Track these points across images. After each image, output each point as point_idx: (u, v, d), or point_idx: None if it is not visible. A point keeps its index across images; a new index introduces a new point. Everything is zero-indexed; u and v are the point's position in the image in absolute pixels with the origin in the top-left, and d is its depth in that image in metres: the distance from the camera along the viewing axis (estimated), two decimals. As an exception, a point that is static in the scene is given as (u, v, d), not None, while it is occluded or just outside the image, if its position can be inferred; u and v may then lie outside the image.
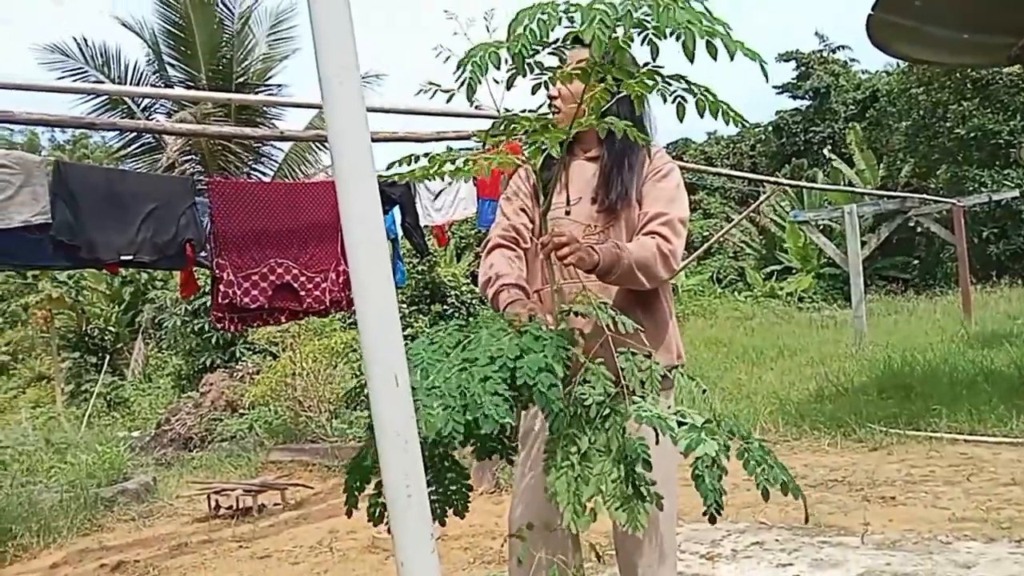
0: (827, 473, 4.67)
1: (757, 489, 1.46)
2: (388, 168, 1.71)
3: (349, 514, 1.68)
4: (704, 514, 1.46)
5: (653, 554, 2.10)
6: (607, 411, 1.51)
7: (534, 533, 2.10)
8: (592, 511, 1.47)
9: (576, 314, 1.75)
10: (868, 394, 6.51)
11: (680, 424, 1.47)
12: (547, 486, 1.47)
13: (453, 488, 1.68)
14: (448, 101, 1.56)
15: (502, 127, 1.61)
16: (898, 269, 20.12)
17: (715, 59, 1.31)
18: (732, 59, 1.32)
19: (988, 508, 3.73)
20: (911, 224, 15.57)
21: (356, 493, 1.63)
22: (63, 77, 11.33)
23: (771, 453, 1.49)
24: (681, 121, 1.54)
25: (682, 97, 1.47)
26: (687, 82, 1.42)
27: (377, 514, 1.62)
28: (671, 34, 1.28)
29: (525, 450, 2.16)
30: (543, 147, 1.63)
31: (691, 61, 1.31)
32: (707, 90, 1.43)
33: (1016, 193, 14.96)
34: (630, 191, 2.04)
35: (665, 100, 1.49)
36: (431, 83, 1.61)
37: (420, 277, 12.06)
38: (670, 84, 1.44)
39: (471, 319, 1.62)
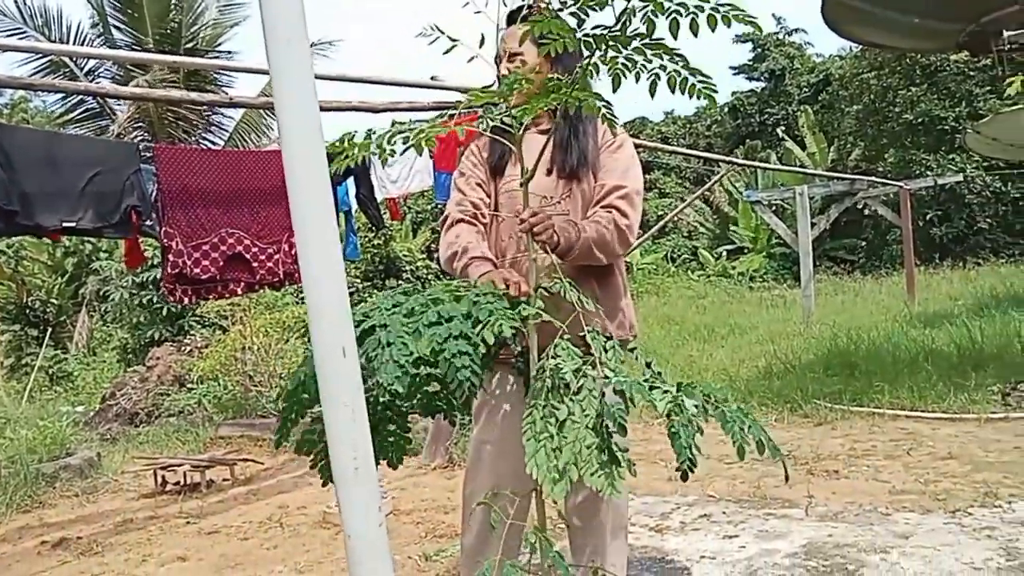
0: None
1: (733, 447, 1.48)
2: (339, 141, 1.64)
3: (278, 444, 1.61)
4: (677, 469, 1.48)
5: (604, 527, 2.12)
6: (581, 381, 1.51)
7: (490, 505, 2.10)
8: (568, 479, 1.45)
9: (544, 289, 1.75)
10: (814, 371, 6.66)
11: (653, 388, 1.50)
12: (527, 456, 1.45)
13: (391, 440, 1.64)
14: (445, 53, 1.53)
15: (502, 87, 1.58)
16: (846, 251, 20.61)
17: (696, 35, 1.30)
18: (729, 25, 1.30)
19: (926, 481, 3.86)
20: (859, 206, 15.95)
21: (290, 425, 1.56)
22: None
23: (749, 414, 1.53)
24: (653, 98, 1.49)
25: (656, 74, 1.43)
26: (669, 53, 1.39)
27: (306, 449, 1.58)
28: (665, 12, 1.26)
29: (480, 424, 2.16)
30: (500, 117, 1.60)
31: (675, 37, 1.30)
32: (686, 63, 1.40)
33: (960, 177, 15.42)
34: (587, 156, 2.05)
35: (638, 79, 1.45)
36: (434, 26, 1.57)
37: (375, 252, 11.94)
38: (651, 61, 1.41)
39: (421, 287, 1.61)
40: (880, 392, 5.73)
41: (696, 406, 1.47)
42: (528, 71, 1.93)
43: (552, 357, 1.56)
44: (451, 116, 1.83)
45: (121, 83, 10.85)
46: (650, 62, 1.41)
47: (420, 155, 5.15)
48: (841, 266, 19.90)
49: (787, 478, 1.59)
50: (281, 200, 4.47)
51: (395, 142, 1.62)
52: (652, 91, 1.45)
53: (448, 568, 3.22)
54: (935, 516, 3.33)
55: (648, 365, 1.72)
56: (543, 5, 2.00)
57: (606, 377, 1.52)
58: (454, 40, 1.56)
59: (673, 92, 1.44)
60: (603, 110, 1.56)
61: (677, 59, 1.39)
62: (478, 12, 1.56)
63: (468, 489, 2.18)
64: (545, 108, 1.61)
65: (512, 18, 2.07)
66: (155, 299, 9.58)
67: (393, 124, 1.63)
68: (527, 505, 2.17)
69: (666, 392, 1.50)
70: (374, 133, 1.60)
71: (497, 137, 1.86)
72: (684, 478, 1.49)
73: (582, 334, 1.62)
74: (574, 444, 1.43)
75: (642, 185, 2.10)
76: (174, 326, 9.82)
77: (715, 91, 1.44)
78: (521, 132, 1.68)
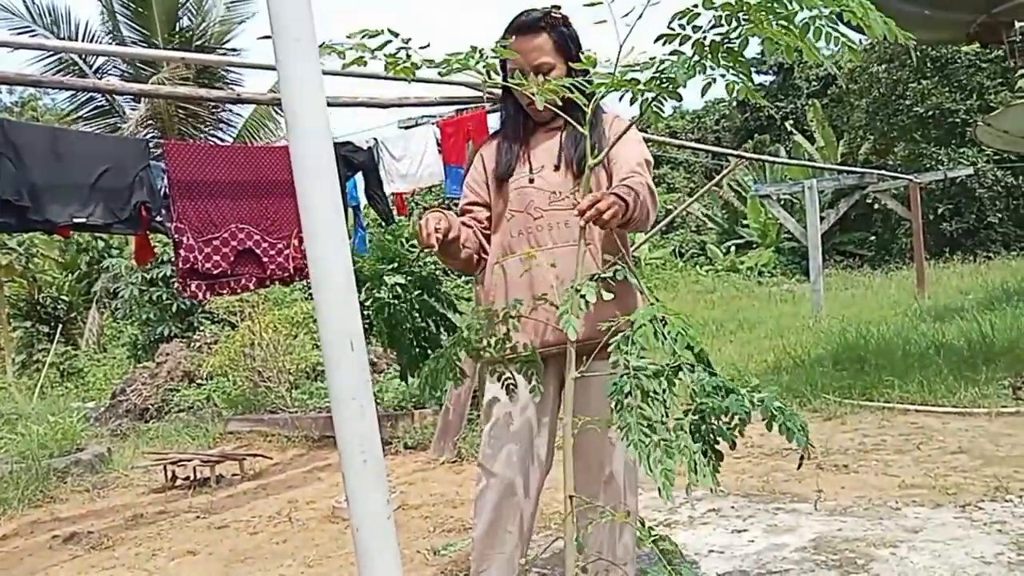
0: (782, 442, 4.73)
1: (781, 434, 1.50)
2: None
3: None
4: (801, 458, 1.57)
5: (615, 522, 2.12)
6: (664, 382, 1.48)
7: (502, 499, 2.12)
8: (690, 483, 1.45)
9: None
10: (824, 366, 6.64)
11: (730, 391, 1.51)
12: (639, 460, 1.41)
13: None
14: None
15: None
16: (856, 244, 20.51)
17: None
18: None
19: (936, 475, 3.84)
20: (869, 200, 15.85)
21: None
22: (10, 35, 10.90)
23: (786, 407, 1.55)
24: (702, 96, 1.63)
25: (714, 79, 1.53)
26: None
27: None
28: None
29: (491, 420, 2.17)
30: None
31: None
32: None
33: (971, 171, 15.30)
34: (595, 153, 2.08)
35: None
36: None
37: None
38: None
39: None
40: (890, 386, 5.70)
41: (777, 402, 1.50)
42: (558, 78, 1.94)
43: (624, 354, 1.52)
44: (460, 111, 1.86)
45: (130, 81, 10.88)
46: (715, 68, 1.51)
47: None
48: (850, 260, 19.81)
49: (800, 464, 1.62)
50: (290, 195, 4.46)
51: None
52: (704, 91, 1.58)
53: (456, 562, 3.23)
54: (945, 510, 3.32)
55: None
56: (559, 14, 2.00)
57: (691, 375, 1.51)
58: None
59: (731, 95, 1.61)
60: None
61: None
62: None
63: (480, 483, 2.19)
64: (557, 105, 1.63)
65: (520, 28, 2.04)
66: (165, 296, 9.63)
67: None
68: (538, 498, 2.18)
69: (750, 392, 1.50)
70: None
71: (531, 97, 1.87)
72: (800, 465, 1.62)
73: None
74: (683, 451, 1.42)
75: (652, 161, 2.14)
76: (183, 322, 9.87)
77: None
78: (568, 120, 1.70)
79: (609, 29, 1.49)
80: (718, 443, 1.48)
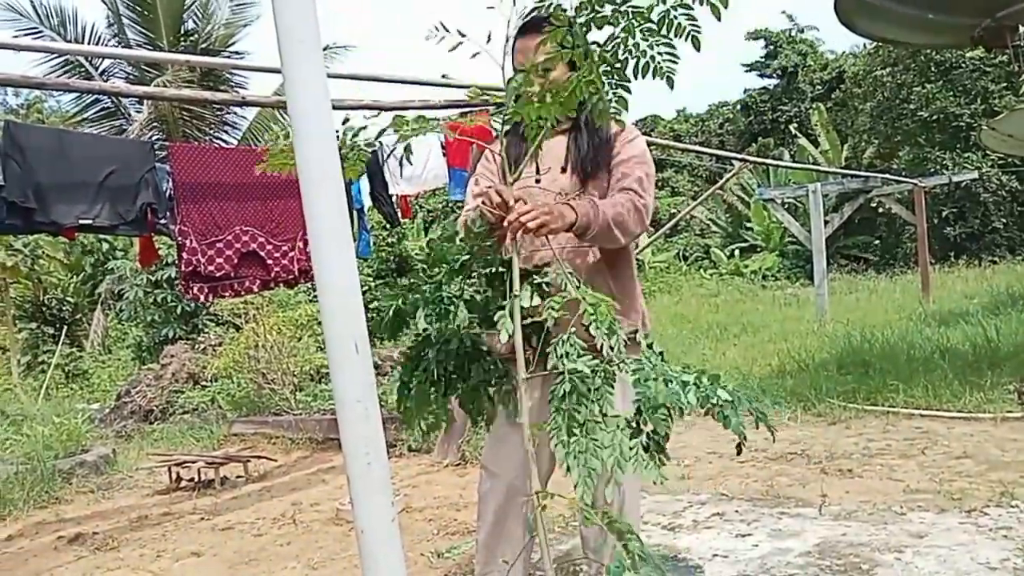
0: (787, 446, 4.75)
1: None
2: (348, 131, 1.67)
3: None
4: (737, 449, 1.69)
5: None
6: (599, 382, 1.49)
7: (506, 501, 2.12)
8: (613, 480, 1.44)
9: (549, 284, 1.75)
10: (828, 370, 6.62)
11: (669, 382, 1.52)
12: (560, 460, 1.43)
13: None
14: (451, 50, 1.57)
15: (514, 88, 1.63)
16: (860, 248, 20.47)
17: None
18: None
19: (941, 480, 3.83)
20: (873, 204, 15.82)
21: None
22: (16, 37, 10.95)
23: (742, 396, 1.58)
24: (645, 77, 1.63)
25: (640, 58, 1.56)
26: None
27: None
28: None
29: (494, 422, 2.16)
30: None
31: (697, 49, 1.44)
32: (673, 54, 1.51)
33: (975, 175, 15.26)
34: (600, 158, 2.10)
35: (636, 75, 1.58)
36: (440, 25, 1.60)
37: (388, 250, 11.97)
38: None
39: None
40: (894, 391, 5.69)
41: (729, 394, 1.52)
42: (557, 81, 1.94)
43: (564, 356, 1.54)
44: (464, 113, 1.87)
45: (135, 83, 10.92)
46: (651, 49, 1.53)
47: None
48: (855, 264, 19.78)
49: (739, 450, 1.70)
50: (295, 197, 4.45)
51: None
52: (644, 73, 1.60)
53: (460, 565, 3.23)
54: (950, 516, 3.31)
55: (661, 355, 1.69)
56: (563, 15, 2.00)
57: (635, 371, 1.51)
58: (463, 35, 1.58)
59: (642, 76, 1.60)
60: (611, 112, 1.58)
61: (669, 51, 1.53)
62: (491, 7, 1.58)
63: (483, 486, 2.19)
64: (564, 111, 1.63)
65: (525, 28, 2.06)
66: (169, 298, 9.64)
67: (395, 119, 1.66)
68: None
69: (695, 383, 1.51)
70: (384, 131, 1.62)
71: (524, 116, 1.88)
72: (739, 451, 1.69)
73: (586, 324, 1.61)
74: (614, 447, 1.41)
75: (654, 172, 2.15)
76: (188, 324, 9.88)
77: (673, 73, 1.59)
78: (545, 132, 1.69)
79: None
80: (659, 435, 1.47)
